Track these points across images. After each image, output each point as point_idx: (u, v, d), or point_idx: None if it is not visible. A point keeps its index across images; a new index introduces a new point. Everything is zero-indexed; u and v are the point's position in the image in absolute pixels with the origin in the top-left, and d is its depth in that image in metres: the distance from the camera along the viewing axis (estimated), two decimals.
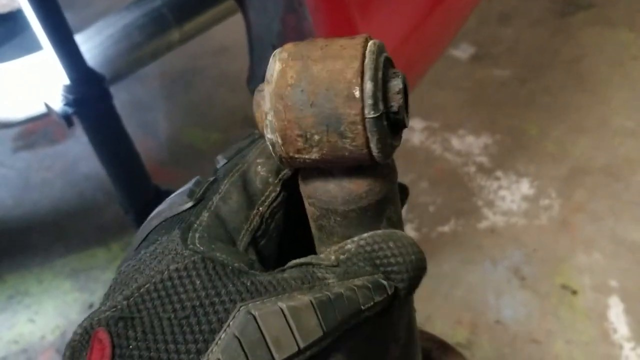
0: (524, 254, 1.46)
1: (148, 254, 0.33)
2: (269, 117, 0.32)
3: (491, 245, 1.49)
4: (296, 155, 0.33)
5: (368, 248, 0.33)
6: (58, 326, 1.42)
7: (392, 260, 0.33)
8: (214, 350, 0.28)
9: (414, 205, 1.62)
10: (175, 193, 0.37)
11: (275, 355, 0.28)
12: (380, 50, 0.32)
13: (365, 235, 0.34)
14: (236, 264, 0.31)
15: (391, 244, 0.34)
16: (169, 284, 0.30)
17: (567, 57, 2.06)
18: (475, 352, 1.27)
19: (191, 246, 0.32)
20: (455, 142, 1.79)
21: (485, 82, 2.02)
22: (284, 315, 0.29)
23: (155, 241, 0.33)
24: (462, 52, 2.14)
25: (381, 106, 0.30)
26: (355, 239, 0.34)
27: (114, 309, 0.30)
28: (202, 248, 0.32)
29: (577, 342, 1.26)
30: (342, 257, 0.33)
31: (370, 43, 0.32)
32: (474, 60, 2.11)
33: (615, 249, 1.43)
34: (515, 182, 1.65)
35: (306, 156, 0.32)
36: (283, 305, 0.29)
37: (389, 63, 0.32)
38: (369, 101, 0.30)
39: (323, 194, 0.35)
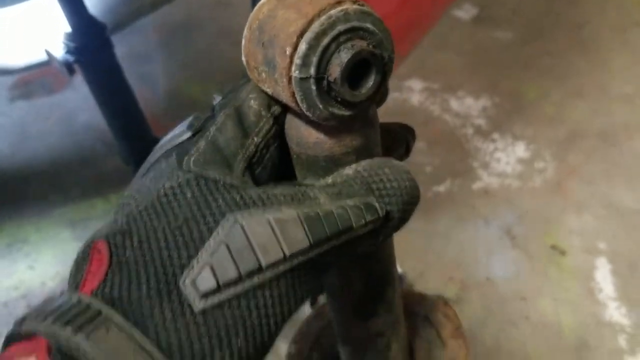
0: (516, 214, 1.48)
1: (148, 180, 0.34)
2: (242, 41, 0.34)
3: (484, 206, 1.52)
4: (259, 85, 0.35)
5: (365, 173, 0.35)
6: (58, 272, 1.45)
7: (387, 184, 0.34)
8: (203, 254, 0.29)
9: (411, 165, 1.62)
10: (176, 127, 0.38)
11: (261, 258, 0.30)
12: (345, 18, 0.31)
13: (363, 162, 0.35)
14: (228, 180, 0.32)
15: (387, 170, 0.35)
16: (164, 200, 0.32)
17: (570, 21, 2.05)
18: (464, 308, 1.31)
19: (186, 168, 0.33)
20: (454, 104, 1.79)
21: (486, 44, 2.01)
22: (271, 226, 0.30)
23: (155, 168, 0.35)
24: (465, 12, 2.13)
25: (312, 70, 0.31)
26: (354, 165, 0.35)
27: (114, 226, 0.32)
28: (196, 169, 0.33)
29: (563, 300, 1.30)
30: (338, 179, 0.35)
31: (338, 8, 0.31)
32: (477, 22, 2.10)
33: (606, 212, 1.46)
34: (511, 145, 1.66)
35: (264, 88, 0.34)
36: (270, 216, 0.30)
37: (355, 35, 0.31)
38: (297, 61, 0.30)
39: (292, 131, 0.36)
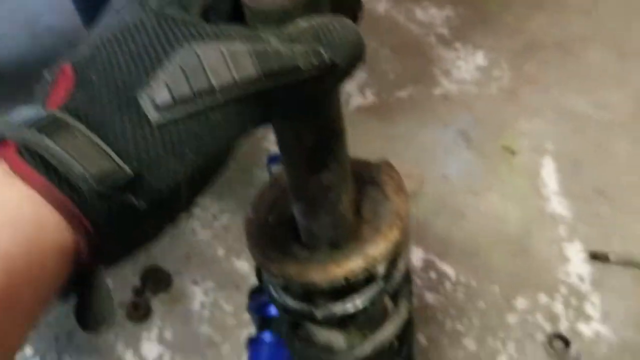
0: (473, 118, 1.57)
1: (112, 17, 0.36)
2: None
3: (444, 110, 1.60)
4: None
5: (316, 26, 0.37)
6: None
7: (335, 37, 0.37)
8: (159, 74, 0.32)
9: (375, 71, 1.70)
10: None
11: (212, 80, 0.32)
12: None
13: (316, 17, 0.38)
14: (186, 17, 0.34)
15: (336, 25, 0.37)
16: (126, 32, 0.34)
17: None
18: (420, 200, 1.42)
19: (147, 7, 0.35)
20: (419, 13, 1.84)
21: None
22: (223, 54, 0.33)
23: (118, 11, 0.37)
24: None
25: None
26: (306, 18, 0.38)
27: (80, 53, 0.34)
28: (156, 8, 0.35)
29: (511, 195, 1.41)
30: (290, 28, 0.37)
31: None
32: None
33: (556, 116, 1.55)
34: (471, 54, 1.73)
35: None
36: (223, 47, 0.33)
37: None
38: None
39: None
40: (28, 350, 1.25)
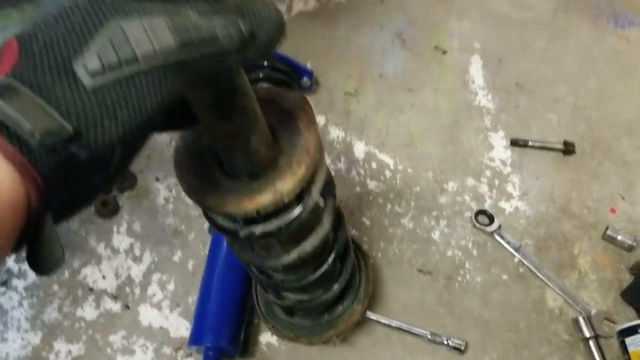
0: (407, 20, 1.66)
1: (47, 2, 0.40)
2: None
3: (380, 13, 1.68)
4: None
5: (239, 2, 0.41)
6: None
7: (256, 13, 0.42)
8: (91, 46, 0.37)
9: None
10: None
11: (136, 50, 0.37)
12: None
13: None
14: None
15: (259, 3, 0.42)
16: (62, 11, 0.38)
17: None
18: (360, 98, 1.51)
19: None
20: None
21: None
22: (144, 28, 0.37)
23: None
24: None
25: None
26: None
27: (22, 30, 0.38)
28: None
29: (442, 90, 1.53)
30: (216, 3, 0.41)
31: None
32: None
33: (483, 18, 1.67)
34: None
35: None
36: (145, 22, 0.38)
37: None
38: None
39: None
40: None
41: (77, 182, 0.39)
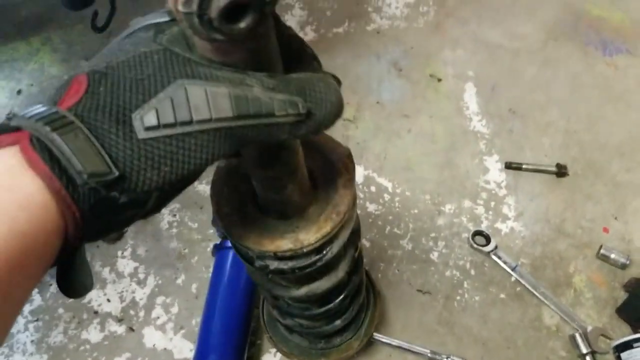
0: (403, 50, 1.72)
1: (127, 43, 0.42)
2: None
3: (377, 43, 1.74)
4: None
5: (303, 82, 0.42)
6: None
7: (317, 94, 0.42)
8: (153, 101, 0.38)
9: (314, 10, 1.82)
10: (156, 11, 0.45)
11: (193, 114, 0.39)
12: None
13: (305, 73, 0.43)
14: (187, 55, 0.40)
15: (321, 84, 0.43)
16: (137, 59, 0.39)
17: None
18: (359, 124, 1.56)
19: (159, 41, 0.40)
20: None
21: None
22: (206, 94, 0.39)
23: (135, 36, 0.42)
24: None
25: (194, 7, 0.35)
26: (298, 73, 0.43)
27: (95, 67, 0.39)
28: (165, 44, 0.40)
29: (438, 116, 1.58)
30: (280, 77, 0.42)
31: None
32: None
33: (475, 47, 1.73)
34: None
35: None
36: (208, 88, 0.39)
37: None
38: (180, 0, 0.35)
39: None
40: None
41: (112, 218, 0.40)
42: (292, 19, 1.79)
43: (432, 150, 1.51)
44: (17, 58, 1.64)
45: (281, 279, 0.78)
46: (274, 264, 0.69)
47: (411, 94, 1.62)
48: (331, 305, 0.89)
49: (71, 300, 1.30)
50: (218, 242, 1.30)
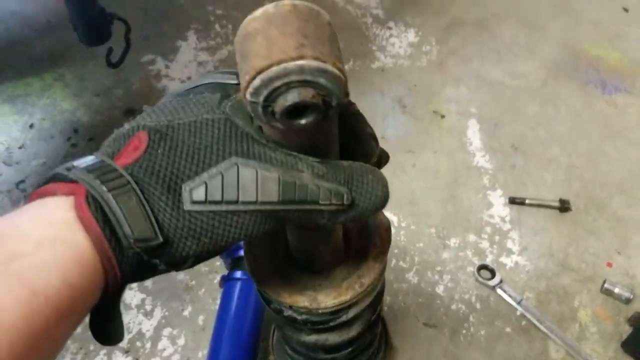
0: (406, 88, 1.77)
1: (194, 100, 0.43)
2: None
3: (381, 81, 1.78)
4: None
5: (352, 171, 0.44)
6: (1, 142, 1.57)
7: (364, 186, 0.44)
8: (204, 175, 0.39)
9: None
10: (226, 70, 0.48)
11: (240, 195, 0.40)
12: (300, 70, 0.36)
13: (357, 163, 0.45)
14: (246, 130, 0.41)
15: (370, 176, 0.44)
16: (198, 125, 0.41)
17: None
18: None
19: (223, 108, 0.42)
20: None
21: None
22: (257, 176, 0.40)
23: (202, 93, 0.44)
24: None
25: (261, 99, 0.37)
26: (351, 162, 0.44)
27: (157, 125, 0.41)
28: (229, 112, 0.42)
29: (441, 151, 1.61)
30: (329, 164, 0.43)
31: (298, 62, 0.36)
32: None
33: (478, 84, 1.77)
34: (403, 32, 1.92)
35: None
36: (259, 170, 0.40)
37: (307, 84, 0.37)
38: (251, 89, 0.37)
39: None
40: None
41: (148, 277, 0.42)
42: None
43: (437, 185, 1.54)
44: (30, 93, 1.68)
45: (294, 324, 0.78)
46: (288, 312, 0.69)
47: (415, 130, 1.66)
48: (339, 355, 0.88)
49: (78, 331, 1.30)
50: (225, 273, 1.31)
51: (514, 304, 1.31)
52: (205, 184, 0.39)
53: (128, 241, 0.37)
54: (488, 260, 1.39)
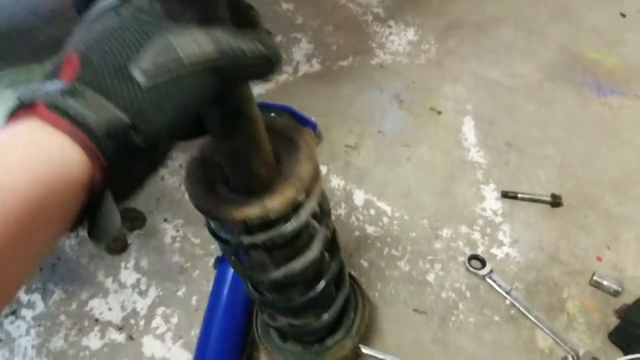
0: (404, 84, 1.80)
1: (95, 26, 0.45)
2: None
3: (380, 77, 1.82)
4: None
5: (257, 34, 0.50)
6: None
7: (268, 42, 0.50)
8: (143, 53, 0.43)
9: (320, 44, 1.90)
10: None
11: (182, 55, 0.44)
12: None
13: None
14: (155, 21, 0.45)
15: (266, 37, 0.51)
16: (113, 31, 0.44)
17: None
18: (360, 152, 1.62)
19: (123, 13, 0.45)
20: None
21: None
22: (188, 39, 0.44)
23: (99, 21, 0.46)
24: None
25: None
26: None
27: (78, 45, 0.44)
28: (130, 14, 0.45)
29: (437, 146, 1.63)
30: (242, 30, 0.49)
31: None
32: None
33: (475, 84, 1.80)
34: (403, 30, 1.96)
35: None
36: (188, 35, 0.45)
37: None
38: None
39: None
40: None
41: (130, 165, 0.44)
42: (299, 52, 1.88)
43: (431, 178, 1.56)
44: (33, 79, 1.72)
45: (260, 261, 0.82)
46: (246, 239, 0.74)
47: (412, 125, 1.68)
48: (313, 293, 0.92)
49: (73, 307, 1.33)
50: (220, 254, 1.33)
51: (503, 293, 1.33)
52: (148, 55, 0.42)
53: (100, 129, 0.40)
54: (479, 251, 1.41)
